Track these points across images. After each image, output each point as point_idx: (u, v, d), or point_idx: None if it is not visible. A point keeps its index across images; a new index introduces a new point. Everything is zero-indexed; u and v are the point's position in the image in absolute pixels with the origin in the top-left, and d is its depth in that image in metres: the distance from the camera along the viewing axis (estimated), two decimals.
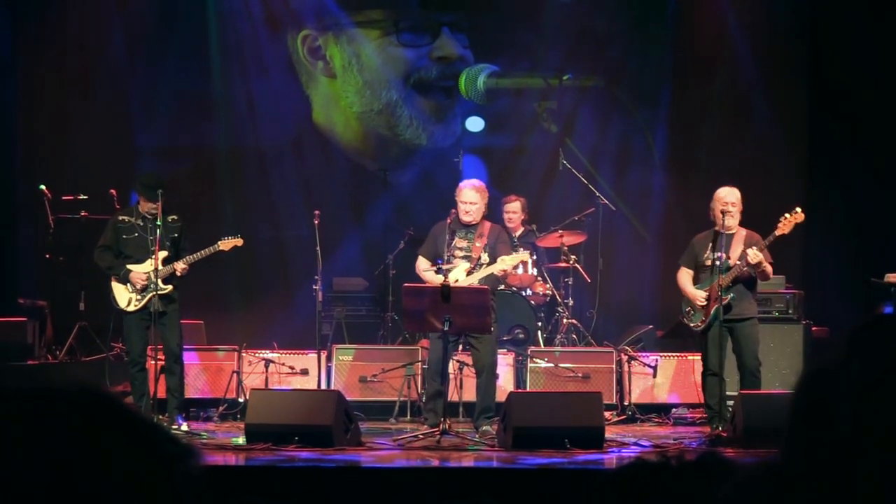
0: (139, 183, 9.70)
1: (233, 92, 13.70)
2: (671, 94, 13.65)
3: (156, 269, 9.36)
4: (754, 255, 9.11)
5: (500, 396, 9.67)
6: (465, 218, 9.63)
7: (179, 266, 9.47)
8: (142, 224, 9.51)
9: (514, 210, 11.83)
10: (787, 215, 9.20)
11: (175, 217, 9.72)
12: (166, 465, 1.24)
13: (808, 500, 1.25)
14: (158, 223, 9.38)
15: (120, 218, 9.76)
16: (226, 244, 9.62)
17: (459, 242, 9.68)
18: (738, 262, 9.29)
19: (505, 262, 9.61)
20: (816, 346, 11.01)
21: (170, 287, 9.51)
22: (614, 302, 12.62)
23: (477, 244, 9.68)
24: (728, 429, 8.94)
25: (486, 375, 9.58)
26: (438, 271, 9.52)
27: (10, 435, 1.20)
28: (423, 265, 9.87)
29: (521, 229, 11.86)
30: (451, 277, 9.35)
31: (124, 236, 9.62)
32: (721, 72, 13.39)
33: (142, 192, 9.56)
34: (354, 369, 11.01)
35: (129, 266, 9.53)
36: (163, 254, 9.50)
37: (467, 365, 9.87)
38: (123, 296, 9.56)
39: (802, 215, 9.18)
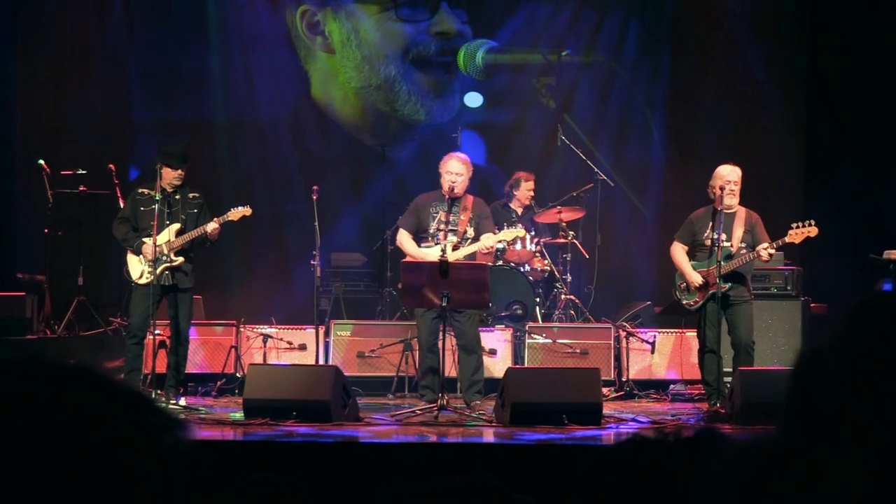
0: (162, 153, 9.67)
1: (231, 67, 13.66)
2: (670, 70, 13.63)
3: (160, 242, 9.35)
4: (767, 254, 9.12)
5: (499, 372, 9.67)
6: (455, 190, 9.54)
7: (210, 226, 9.43)
8: (160, 197, 9.49)
9: (532, 187, 11.79)
10: (799, 225, 9.11)
11: (196, 194, 9.71)
12: (150, 434, 1.23)
13: (801, 477, 1.25)
14: (157, 197, 9.35)
15: (139, 190, 9.73)
16: (235, 214, 9.61)
17: (444, 216, 9.60)
18: (743, 252, 9.27)
19: (500, 237, 9.59)
20: (815, 323, 11.01)
21: (181, 259, 9.51)
22: (612, 278, 12.63)
23: (462, 217, 9.63)
24: (726, 405, 8.95)
25: (473, 349, 9.57)
26: (436, 244, 9.49)
27: None
28: (405, 237, 9.79)
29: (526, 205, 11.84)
30: (435, 252, 9.30)
31: (142, 209, 9.59)
32: (720, 49, 13.36)
33: (165, 160, 9.51)
34: (352, 345, 11.02)
35: (144, 239, 9.50)
36: (176, 226, 9.50)
37: None
38: (136, 268, 9.55)
39: (816, 230, 9.09)
